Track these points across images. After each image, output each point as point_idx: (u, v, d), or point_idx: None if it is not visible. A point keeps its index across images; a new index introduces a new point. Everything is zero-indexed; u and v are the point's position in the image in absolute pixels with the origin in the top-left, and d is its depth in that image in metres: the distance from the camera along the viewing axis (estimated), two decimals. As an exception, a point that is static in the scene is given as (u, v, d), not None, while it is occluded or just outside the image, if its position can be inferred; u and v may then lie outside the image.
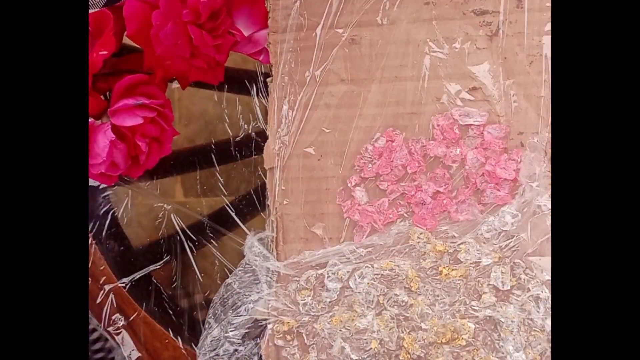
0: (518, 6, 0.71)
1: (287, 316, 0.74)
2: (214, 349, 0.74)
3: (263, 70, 0.75)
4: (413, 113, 0.73)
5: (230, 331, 0.74)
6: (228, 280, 0.75)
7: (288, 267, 0.74)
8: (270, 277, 0.74)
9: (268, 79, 0.75)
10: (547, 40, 0.71)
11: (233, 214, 0.84)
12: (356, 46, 0.73)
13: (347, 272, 0.73)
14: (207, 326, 0.75)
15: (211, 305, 0.75)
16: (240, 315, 0.74)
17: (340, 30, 0.73)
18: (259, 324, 0.74)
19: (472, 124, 0.73)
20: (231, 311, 0.74)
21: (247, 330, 0.74)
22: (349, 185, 0.74)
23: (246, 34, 0.77)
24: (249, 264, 0.74)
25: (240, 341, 0.74)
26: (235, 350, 0.74)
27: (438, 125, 0.73)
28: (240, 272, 0.75)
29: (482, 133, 0.73)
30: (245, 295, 0.74)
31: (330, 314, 0.74)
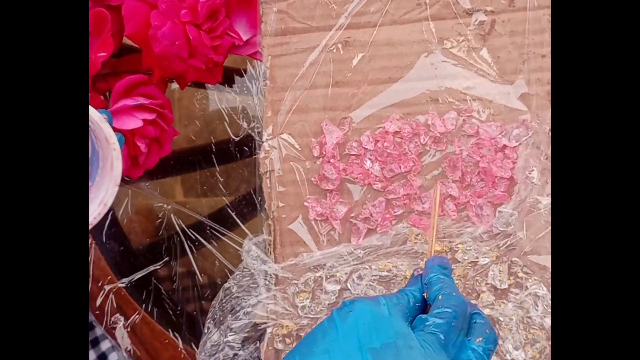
0: (510, 5, 0.71)
1: (286, 319, 0.74)
2: (214, 354, 0.74)
3: (263, 71, 0.74)
4: (407, 114, 0.73)
5: (230, 335, 0.74)
6: (226, 285, 0.75)
7: (286, 270, 0.74)
8: (269, 281, 0.74)
9: (263, 83, 0.75)
10: (540, 38, 0.71)
11: (233, 214, 0.84)
12: (349, 48, 0.73)
13: (346, 273, 0.73)
14: (206, 331, 0.75)
15: (210, 309, 0.75)
16: (239, 320, 0.74)
17: (333, 33, 0.73)
18: (258, 327, 0.74)
19: (467, 123, 0.73)
20: (230, 315, 0.74)
21: (246, 335, 0.74)
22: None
23: (244, 38, 0.77)
24: (247, 268, 0.75)
25: (240, 345, 0.74)
26: (235, 354, 0.74)
27: (432, 125, 0.72)
28: (238, 276, 0.75)
29: (478, 131, 0.72)
30: (243, 299, 0.74)
31: (329, 316, 0.74)
